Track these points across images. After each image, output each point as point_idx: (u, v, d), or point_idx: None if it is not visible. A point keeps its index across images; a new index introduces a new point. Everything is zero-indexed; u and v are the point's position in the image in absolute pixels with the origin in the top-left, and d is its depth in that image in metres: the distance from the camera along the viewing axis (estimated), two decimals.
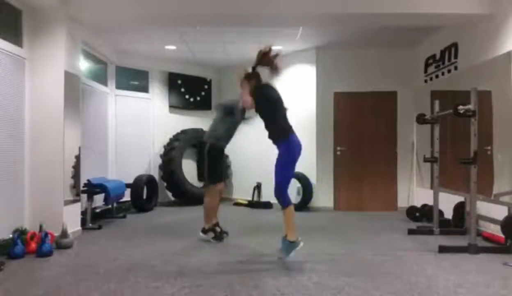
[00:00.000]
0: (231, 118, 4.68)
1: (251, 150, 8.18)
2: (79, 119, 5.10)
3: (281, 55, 6.75)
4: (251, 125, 8.19)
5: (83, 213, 5.35)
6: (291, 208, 3.75)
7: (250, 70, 4.02)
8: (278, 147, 3.82)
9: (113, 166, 7.10)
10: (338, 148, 7.13)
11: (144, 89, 7.85)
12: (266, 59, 3.91)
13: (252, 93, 3.88)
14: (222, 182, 4.77)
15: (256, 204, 7.56)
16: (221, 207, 4.97)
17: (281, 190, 3.73)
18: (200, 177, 4.70)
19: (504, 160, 4.65)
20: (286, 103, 4.02)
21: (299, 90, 7.40)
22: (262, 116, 3.92)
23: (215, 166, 4.62)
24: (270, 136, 3.88)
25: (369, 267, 3.59)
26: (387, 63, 7.05)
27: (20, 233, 4.09)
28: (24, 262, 3.77)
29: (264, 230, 5.39)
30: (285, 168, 3.76)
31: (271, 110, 3.87)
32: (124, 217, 6.29)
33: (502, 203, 4.40)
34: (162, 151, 7.82)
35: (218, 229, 4.65)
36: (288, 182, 3.80)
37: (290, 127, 3.89)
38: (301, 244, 3.69)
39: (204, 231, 4.65)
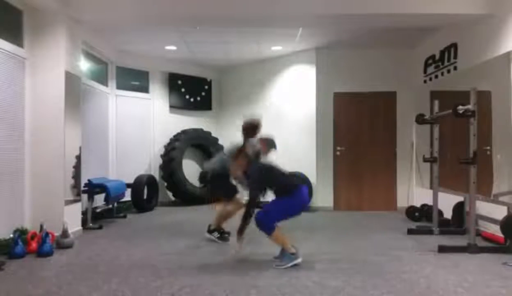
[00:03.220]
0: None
1: None
2: (80, 119, 5.11)
3: (281, 55, 6.73)
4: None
5: (84, 213, 5.36)
6: (275, 231, 3.62)
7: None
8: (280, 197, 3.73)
9: (114, 166, 7.11)
10: (338, 148, 7.14)
11: (145, 89, 7.86)
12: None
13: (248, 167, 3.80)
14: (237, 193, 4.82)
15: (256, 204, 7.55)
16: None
17: (267, 220, 3.60)
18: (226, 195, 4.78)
19: (504, 160, 4.66)
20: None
21: (299, 90, 7.42)
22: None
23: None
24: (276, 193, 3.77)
25: (369, 266, 3.59)
26: (387, 63, 7.06)
27: (21, 232, 4.10)
28: (24, 262, 3.78)
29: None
30: (284, 210, 3.66)
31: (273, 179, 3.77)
32: (124, 216, 6.30)
33: (502, 203, 4.41)
34: (162, 151, 7.83)
35: (221, 230, 4.71)
36: (277, 219, 3.66)
37: (293, 183, 3.77)
38: (300, 259, 3.60)
39: (210, 231, 4.68)
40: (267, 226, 3.62)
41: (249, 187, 3.77)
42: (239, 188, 4.60)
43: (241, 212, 4.05)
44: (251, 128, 4.39)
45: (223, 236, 4.65)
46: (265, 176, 3.74)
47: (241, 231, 3.67)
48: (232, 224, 4.70)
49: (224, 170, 4.41)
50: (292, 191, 3.68)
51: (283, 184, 3.73)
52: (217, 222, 4.70)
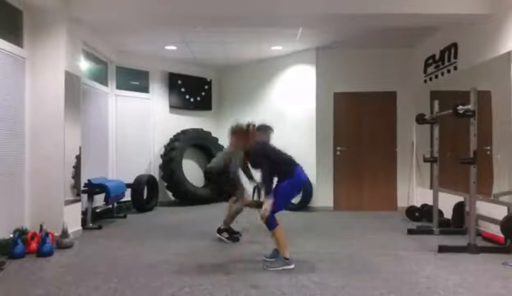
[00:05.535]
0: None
1: None
2: (80, 119, 5.10)
3: (280, 56, 6.67)
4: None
5: (84, 213, 5.36)
6: (278, 228, 3.61)
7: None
8: (282, 181, 3.69)
9: (114, 166, 7.11)
10: (338, 148, 7.14)
11: (145, 89, 7.86)
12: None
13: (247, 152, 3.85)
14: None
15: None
16: (222, 207, 4.98)
17: (270, 216, 3.59)
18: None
19: (504, 159, 4.65)
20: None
21: (299, 90, 7.41)
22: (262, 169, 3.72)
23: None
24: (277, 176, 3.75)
25: (369, 266, 3.59)
26: (387, 63, 7.05)
27: (21, 233, 4.10)
28: (24, 262, 3.78)
29: (264, 230, 5.37)
30: (282, 201, 3.67)
31: (274, 163, 3.70)
32: (124, 217, 6.30)
33: (502, 203, 4.40)
34: (162, 151, 7.83)
35: (231, 230, 4.76)
36: (278, 211, 3.67)
37: (292, 162, 3.75)
38: (292, 266, 3.54)
39: (220, 231, 4.70)
40: (270, 219, 3.57)
41: (260, 168, 3.70)
42: (241, 182, 4.80)
43: (249, 208, 4.68)
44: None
45: (233, 236, 4.67)
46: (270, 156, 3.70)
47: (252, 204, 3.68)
48: (241, 225, 4.76)
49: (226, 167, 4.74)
50: (293, 170, 3.65)
51: (284, 164, 3.70)
52: (226, 222, 4.73)
